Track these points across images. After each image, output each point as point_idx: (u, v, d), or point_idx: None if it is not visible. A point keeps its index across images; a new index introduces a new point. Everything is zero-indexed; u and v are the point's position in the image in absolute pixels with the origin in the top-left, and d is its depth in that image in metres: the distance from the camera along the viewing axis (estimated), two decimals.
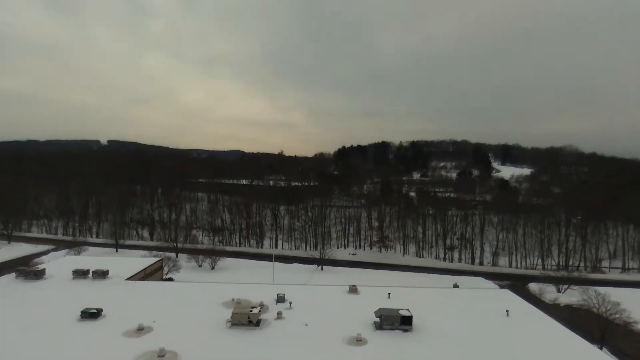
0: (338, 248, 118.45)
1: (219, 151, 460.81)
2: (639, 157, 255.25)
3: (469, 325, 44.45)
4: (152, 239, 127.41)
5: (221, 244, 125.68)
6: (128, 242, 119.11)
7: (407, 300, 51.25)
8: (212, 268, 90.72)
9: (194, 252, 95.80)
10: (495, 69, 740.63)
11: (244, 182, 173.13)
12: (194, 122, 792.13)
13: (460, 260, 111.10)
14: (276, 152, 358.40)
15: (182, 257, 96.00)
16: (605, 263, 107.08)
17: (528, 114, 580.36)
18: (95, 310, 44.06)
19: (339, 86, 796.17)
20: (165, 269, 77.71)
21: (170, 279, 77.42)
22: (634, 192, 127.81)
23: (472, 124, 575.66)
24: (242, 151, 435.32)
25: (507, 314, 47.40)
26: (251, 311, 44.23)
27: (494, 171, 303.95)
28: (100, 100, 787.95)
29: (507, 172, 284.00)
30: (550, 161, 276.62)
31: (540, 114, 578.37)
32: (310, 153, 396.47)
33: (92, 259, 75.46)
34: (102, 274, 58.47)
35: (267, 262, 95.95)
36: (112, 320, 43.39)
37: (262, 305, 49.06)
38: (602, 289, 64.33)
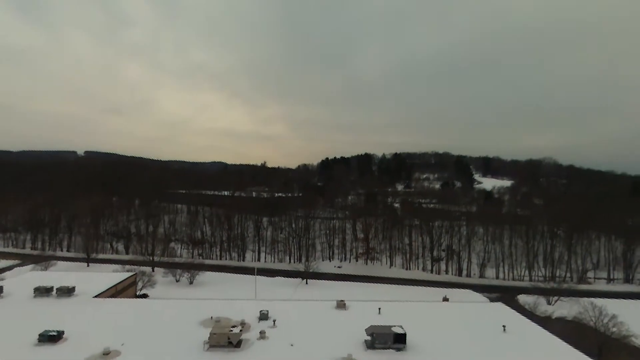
0: (323, 260, 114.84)
1: (201, 163, 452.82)
2: (614, 170, 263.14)
3: (466, 342, 41.80)
4: (127, 253, 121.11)
5: (201, 257, 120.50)
6: (101, 256, 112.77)
7: (399, 315, 48.46)
8: (191, 283, 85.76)
9: (171, 266, 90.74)
10: (475, 83, 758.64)
11: (226, 193, 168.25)
12: (175, 133, 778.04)
13: (447, 272, 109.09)
14: (259, 164, 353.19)
15: (159, 272, 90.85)
16: (590, 274, 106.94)
17: (507, 127, 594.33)
18: (55, 333, 39.44)
19: (321, 99, 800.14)
20: (139, 284, 72.61)
21: (145, 296, 72.38)
22: (613, 203, 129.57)
23: (453, 136, 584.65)
24: (225, 163, 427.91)
25: (504, 330, 45.01)
26: (231, 331, 40.45)
27: (475, 183, 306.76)
28: (78, 110, 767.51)
29: (488, 183, 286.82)
30: (531, 173, 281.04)
31: (519, 127, 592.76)
32: (293, 165, 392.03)
33: (59, 274, 70.03)
34: (67, 292, 53.52)
35: (249, 276, 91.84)
36: (75, 344, 38.88)
37: (243, 323, 45.33)
38: (594, 301, 63.07)
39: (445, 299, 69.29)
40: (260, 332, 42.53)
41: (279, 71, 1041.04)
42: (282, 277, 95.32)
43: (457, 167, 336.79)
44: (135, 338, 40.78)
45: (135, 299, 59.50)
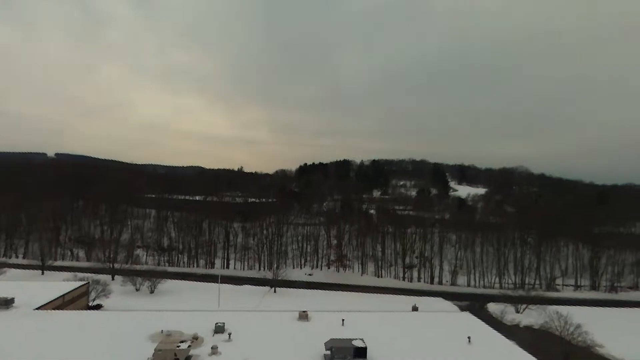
0: (294, 268, 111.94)
1: (178, 167, 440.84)
2: (582, 179, 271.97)
3: (429, 354, 40.09)
4: (88, 260, 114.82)
5: (169, 264, 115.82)
6: (59, 263, 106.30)
7: (363, 327, 46.56)
8: (152, 292, 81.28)
9: (133, 274, 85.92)
10: (451, 93, 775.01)
11: (197, 198, 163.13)
12: (152, 136, 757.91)
13: (419, 279, 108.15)
14: (236, 169, 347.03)
15: (120, 280, 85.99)
16: (558, 281, 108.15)
17: (482, 136, 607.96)
18: None
19: (302, 104, 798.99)
20: (93, 294, 67.92)
21: (99, 306, 67.90)
22: (580, 211, 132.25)
23: (431, 144, 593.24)
24: (202, 167, 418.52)
25: (469, 341, 43.59)
26: (179, 346, 37.37)
27: (451, 190, 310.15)
28: (50, 111, 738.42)
29: (463, 191, 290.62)
30: (504, 181, 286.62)
31: (493, 136, 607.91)
32: (272, 170, 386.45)
33: (1, 284, 64.67)
34: (4, 303, 48.98)
35: (216, 284, 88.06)
36: None
37: (195, 337, 42.23)
38: (562, 309, 62.92)
39: (415, 308, 67.81)
40: (212, 347, 39.52)
41: (261, 75, 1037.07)
42: (250, 286, 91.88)
43: (434, 174, 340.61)
44: (72, 355, 37.21)
45: (81, 311, 55.13)
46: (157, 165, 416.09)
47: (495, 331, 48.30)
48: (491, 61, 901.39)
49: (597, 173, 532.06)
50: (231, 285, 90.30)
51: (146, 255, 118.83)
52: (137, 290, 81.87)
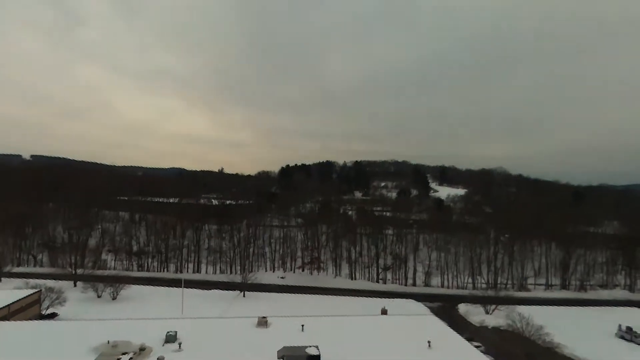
0: (267, 271, 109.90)
1: (159, 169, 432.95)
2: (559, 179, 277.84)
3: None
4: (53, 265, 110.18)
5: (139, 269, 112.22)
6: (20, 269, 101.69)
7: (323, 332, 45.05)
8: (114, 298, 78.08)
9: (96, 280, 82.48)
10: (434, 96, 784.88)
11: (172, 200, 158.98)
12: (134, 138, 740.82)
13: (393, 281, 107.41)
14: (217, 170, 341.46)
15: (81, 287, 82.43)
16: (530, 280, 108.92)
17: (463, 138, 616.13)
18: None
19: (285, 106, 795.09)
20: (47, 302, 64.54)
21: (53, 315, 64.61)
22: (555, 212, 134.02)
23: (413, 145, 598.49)
24: (184, 169, 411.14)
25: (429, 346, 42.56)
26: (119, 359, 35.17)
27: (431, 191, 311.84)
28: (26, 112, 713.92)
29: (444, 192, 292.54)
30: (483, 182, 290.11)
31: (473, 138, 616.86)
32: (255, 171, 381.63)
33: None
34: None
35: (186, 289, 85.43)
36: None
37: (142, 348, 39.87)
38: (527, 310, 62.77)
39: (384, 311, 66.62)
40: (158, 358, 37.37)
41: (245, 77, 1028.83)
42: (219, 290, 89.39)
43: (415, 175, 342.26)
44: None
45: (25, 322, 51.83)
46: (138, 167, 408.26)
47: (457, 334, 47.47)
48: (478, 62, 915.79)
49: (573, 174, 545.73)
50: (199, 290, 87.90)
51: (114, 260, 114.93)
52: (98, 297, 78.52)
